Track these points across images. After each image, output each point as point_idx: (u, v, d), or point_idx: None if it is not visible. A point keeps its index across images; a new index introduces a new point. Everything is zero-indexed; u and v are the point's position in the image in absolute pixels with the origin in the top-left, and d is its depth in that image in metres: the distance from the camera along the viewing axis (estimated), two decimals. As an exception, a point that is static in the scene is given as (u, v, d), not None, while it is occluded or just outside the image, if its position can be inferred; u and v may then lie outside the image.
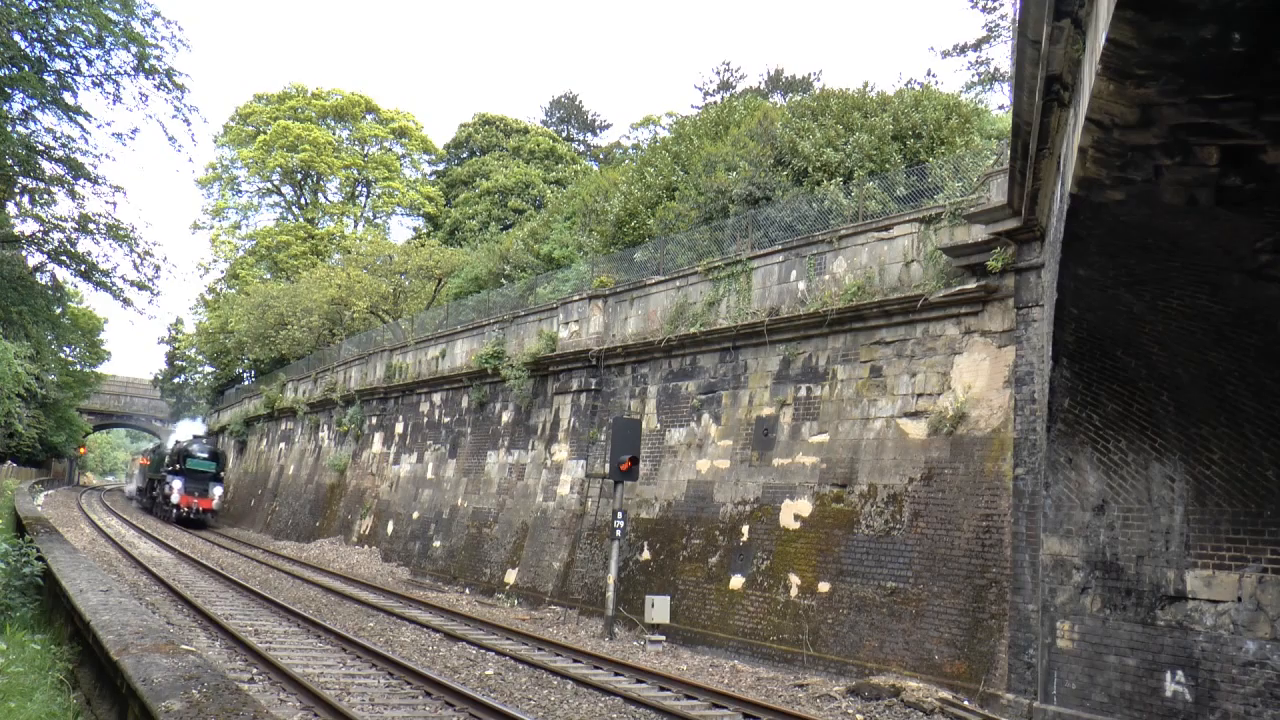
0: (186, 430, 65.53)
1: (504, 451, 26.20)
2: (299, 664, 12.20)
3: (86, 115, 24.81)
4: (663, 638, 17.32)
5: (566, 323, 24.25)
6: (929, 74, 56.67)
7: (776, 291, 18.64)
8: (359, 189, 67.88)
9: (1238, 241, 6.63)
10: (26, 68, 22.68)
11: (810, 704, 12.59)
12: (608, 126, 69.59)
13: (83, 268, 28.61)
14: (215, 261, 69.71)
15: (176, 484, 43.34)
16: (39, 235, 28.20)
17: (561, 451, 23.33)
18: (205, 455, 44.70)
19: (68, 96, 24.28)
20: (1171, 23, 4.55)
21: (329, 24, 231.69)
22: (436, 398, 31.17)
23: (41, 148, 25.04)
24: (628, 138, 65.66)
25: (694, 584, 18.05)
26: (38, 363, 35.02)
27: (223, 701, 5.34)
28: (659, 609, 17.55)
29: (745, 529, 17.52)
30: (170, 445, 50.20)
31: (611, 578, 18.25)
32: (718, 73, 59.65)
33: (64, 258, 28.50)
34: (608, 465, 19.42)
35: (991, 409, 14.20)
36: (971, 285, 14.53)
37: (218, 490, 44.54)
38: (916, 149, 22.20)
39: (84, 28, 23.24)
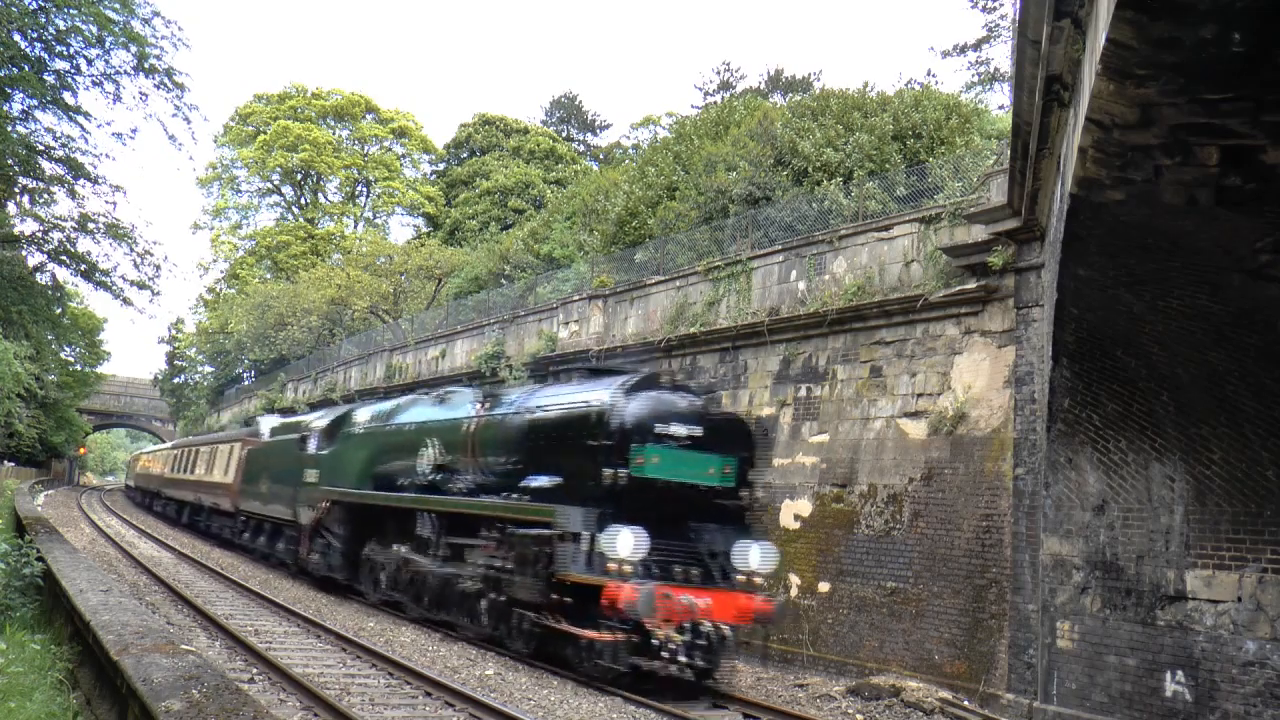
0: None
1: (504, 451, 26.08)
2: (299, 664, 12.19)
3: (86, 115, 24.80)
4: (663, 638, 16.99)
5: (566, 323, 24.24)
6: (929, 74, 56.66)
7: (776, 291, 18.64)
8: (359, 189, 67.90)
9: (1238, 241, 6.63)
10: (26, 68, 22.67)
11: (810, 704, 12.58)
12: (608, 126, 69.61)
13: (83, 268, 28.59)
14: (215, 261, 69.83)
15: (625, 541, 11.54)
16: (39, 235, 28.19)
17: (561, 451, 23.25)
18: (699, 432, 12.68)
19: (68, 96, 24.28)
20: (1171, 23, 4.55)
21: (329, 24, 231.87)
22: (436, 398, 31.14)
23: (41, 148, 25.04)
24: (628, 138, 65.69)
25: (694, 584, 17.91)
26: (38, 363, 35.01)
27: (223, 701, 5.34)
28: (660, 609, 17.11)
29: (745, 529, 17.46)
30: (532, 393, 15.06)
31: (612, 578, 17.87)
32: (718, 73, 59.63)
33: (64, 258, 28.48)
34: (608, 465, 19.08)
35: (991, 409, 14.20)
36: (971, 285, 14.53)
37: (762, 556, 12.47)
38: (916, 149, 22.20)
39: (84, 27, 23.24)
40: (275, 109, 65.99)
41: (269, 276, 61.55)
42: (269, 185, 68.01)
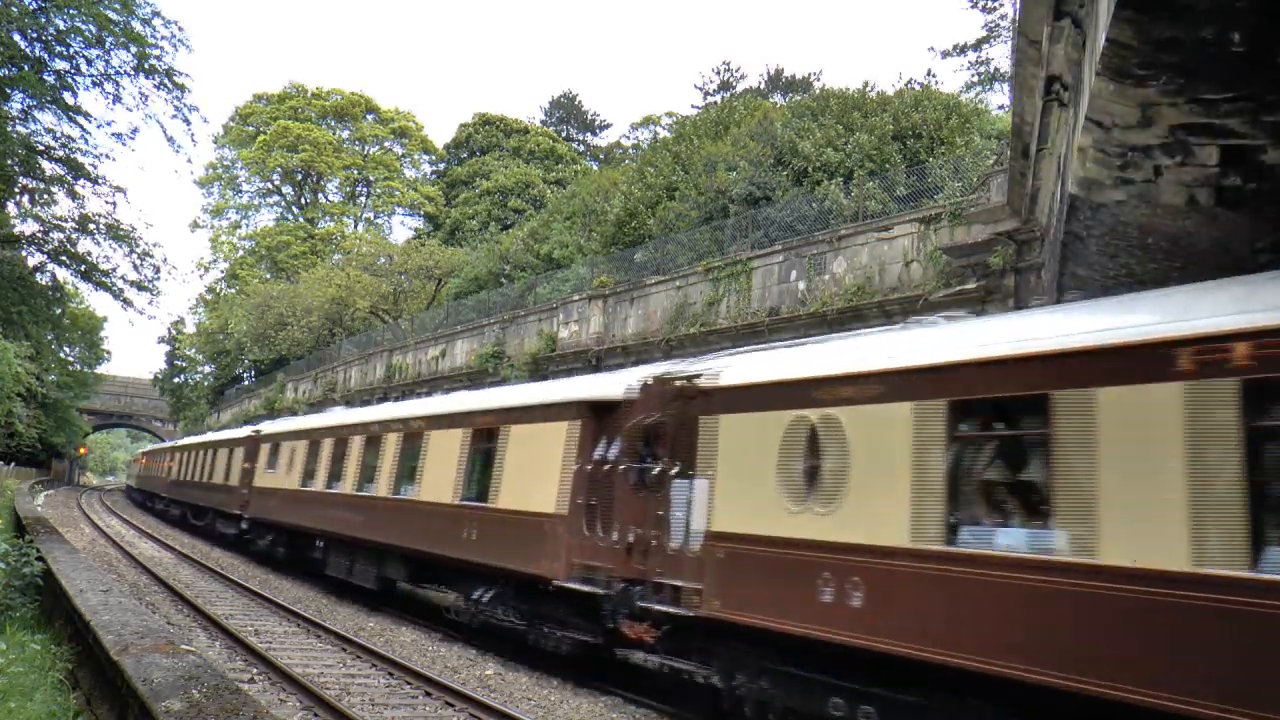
0: None
1: (504, 451, 26.05)
2: (299, 664, 12.19)
3: (86, 115, 24.85)
4: (663, 638, 16.97)
5: (566, 322, 24.24)
6: (929, 74, 56.59)
7: (776, 291, 18.63)
8: (359, 189, 67.94)
9: (1238, 241, 6.63)
10: (26, 68, 22.67)
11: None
12: (608, 126, 69.66)
13: (83, 268, 28.61)
14: (215, 261, 69.92)
15: None
16: (39, 235, 28.22)
17: (561, 451, 23.24)
18: None
19: (67, 96, 24.32)
20: (1171, 23, 4.55)
21: (329, 24, 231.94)
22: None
23: (41, 148, 25.04)
24: (628, 138, 65.75)
25: (694, 584, 17.90)
26: (38, 363, 35.02)
27: (223, 701, 5.34)
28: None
29: (745, 529, 17.46)
30: None
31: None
32: (718, 73, 59.65)
33: (64, 258, 28.50)
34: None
35: (991, 409, 14.18)
36: (972, 285, 14.52)
37: None
38: (916, 149, 22.21)
39: (84, 28, 23.26)
40: (275, 109, 66.02)
41: (269, 276, 61.57)
42: (269, 185, 68.05)
